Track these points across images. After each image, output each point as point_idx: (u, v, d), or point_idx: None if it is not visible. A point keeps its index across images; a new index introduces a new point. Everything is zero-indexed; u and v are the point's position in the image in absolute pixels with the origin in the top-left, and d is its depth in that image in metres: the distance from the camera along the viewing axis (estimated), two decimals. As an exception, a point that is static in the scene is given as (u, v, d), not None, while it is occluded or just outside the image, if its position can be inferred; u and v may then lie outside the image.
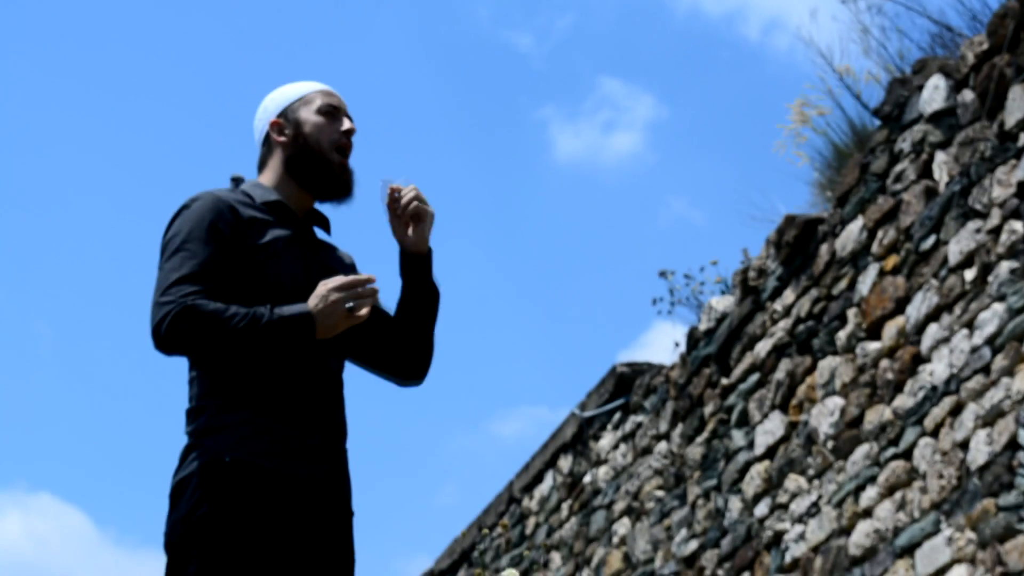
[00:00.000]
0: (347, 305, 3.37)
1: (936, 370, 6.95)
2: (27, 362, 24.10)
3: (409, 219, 3.62)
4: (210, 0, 21.53)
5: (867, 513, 7.32)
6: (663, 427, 9.26)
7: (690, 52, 21.10)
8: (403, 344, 3.66)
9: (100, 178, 22.10)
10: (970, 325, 6.76)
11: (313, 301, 3.38)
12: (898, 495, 7.10)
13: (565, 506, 10.31)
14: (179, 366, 3.58)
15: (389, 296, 3.67)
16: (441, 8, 21.52)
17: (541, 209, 20.58)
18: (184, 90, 21.64)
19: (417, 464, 21.11)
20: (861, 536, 7.32)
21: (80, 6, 21.48)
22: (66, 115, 22.04)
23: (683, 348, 9.21)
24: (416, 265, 3.63)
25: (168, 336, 3.36)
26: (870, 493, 7.29)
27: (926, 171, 7.24)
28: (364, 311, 3.39)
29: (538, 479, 10.77)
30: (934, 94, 7.18)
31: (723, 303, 8.87)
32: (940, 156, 7.11)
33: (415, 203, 3.60)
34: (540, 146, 21.45)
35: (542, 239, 20.51)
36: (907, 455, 7.10)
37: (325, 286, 3.38)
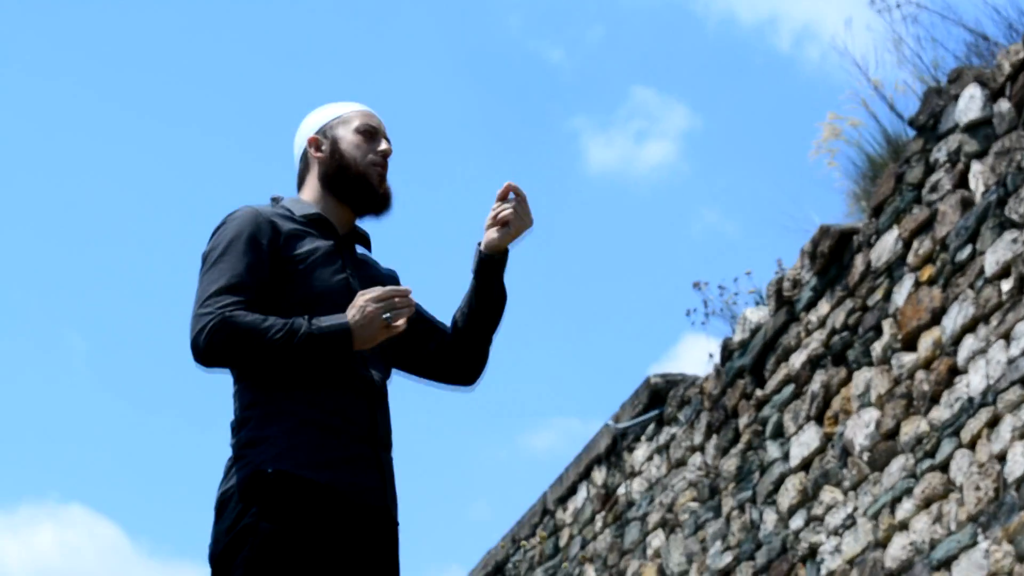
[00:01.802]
0: (384, 316, 3.37)
1: (972, 382, 6.91)
2: (60, 373, 24.20)
3: (500, 222, 3.63)
4: (245, 19, 21.60)
5: (903, 526, 7.27)
6: (697, 439, 9.22)
7: (723, 61, 21.07)
8: (460, 346, 3.68)
9: (135, 189, 22.19)
10: (1007, 336, 6.72)
11: (351, 312, 3.39)
12: (934, 508, 7.06)
13: (599, 518, 10.28)
14: (210, 377, 3.59)
15: (447, 299, 3.69)
16: (472, 19, 21.54)
17: (573, 219, 20.56)
18: (222, 108, 21.72)
19: (450, 476, 21.10)
20: (897, 549, 7.28)
21: (121, 37, 21.57)
22: (104, 128, 22.14)
23: (717, 359, 9.18)
24: (487, 264, 3.65)
25: (207, 348, 3.37)
26: (906, 506, 7.24)
27: (962, 181, 7.20)
28: (401, 322, 3.40)
29: (572, 491, 10.74)
30: (970, 104, 7.14)
31: (757, 314, 8.84)
32: (976, 166, 7.07)
33: (509, 210, 3.62)
34: (572, 156, 21.44)
35: (574, 249, 20.49)
36: (944, 467, 7.05)
37: (362, 297, 3.40)
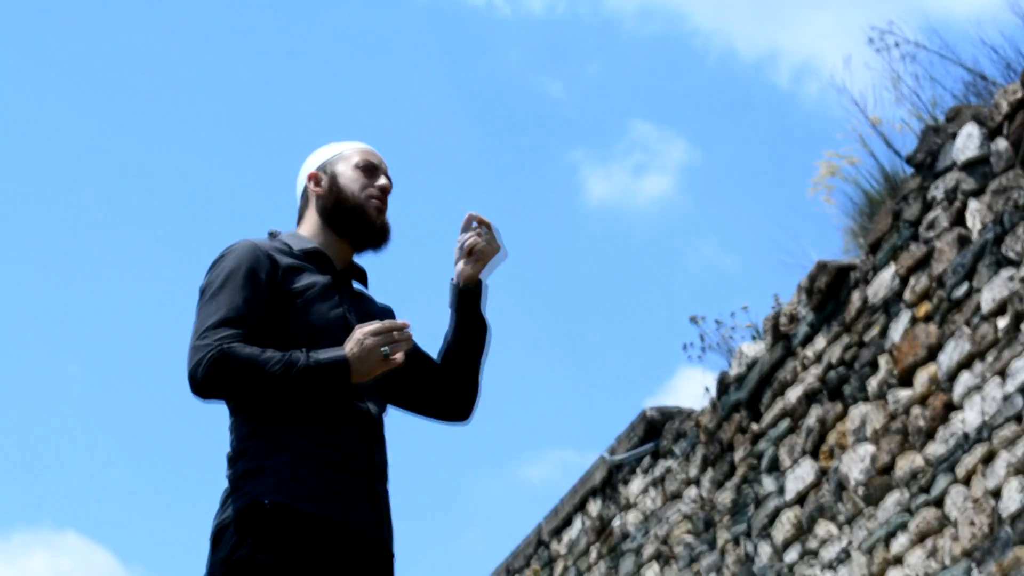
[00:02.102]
0: (382, 350, 3.40)
1: (968, 418, 6.94)
2: (56, 400, 24.19)
3: (467, 251, 3.67)
4: (247, 53, 21.67)
5: (898, 560, 7.30)
6: (693, 472, 9.25)
7: (722, 96, 21.16)
8: (448, 381, 3.69)
9: (134, 218, 22.22)
10: (1002, 373, 6.76)
11: (349, 346, 3.40)
12: (929, 542, 7.09)
13: (594, 550, 10.30)
14: (205, 407, 3.59)
15: (434, 334, 3.71)
16: (473, 54, 21.63)
17: (572, 252, 20.62)
18: (221, 143, 21.76)
19: (445, 507, 21.09)
20: (892, 583, 7.30)
21: (127, 73, 21.63)
22: (103, 157, 22.18)
23: (713, 393, 9.21)
24: (463, 297, 3.68)
25: (204, 380, 3.38)
26: (901, 540, 7.27)
27: (959, 219, 7.25)
28: (399, 356, 3.41)
29: (567, 523, 10.76)
30: (967, 142, 7.19)
31: (754, 349, 8.88)
32: (973, 204, 7.12)
33: (473, 238, 3.66)
34: (571, 189, 21.50)
35: (572, 281, 20.54)
36: (938, 503, 7.08)
37: (360, 331, 3.41)
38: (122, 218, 22.21)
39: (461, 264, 3.67)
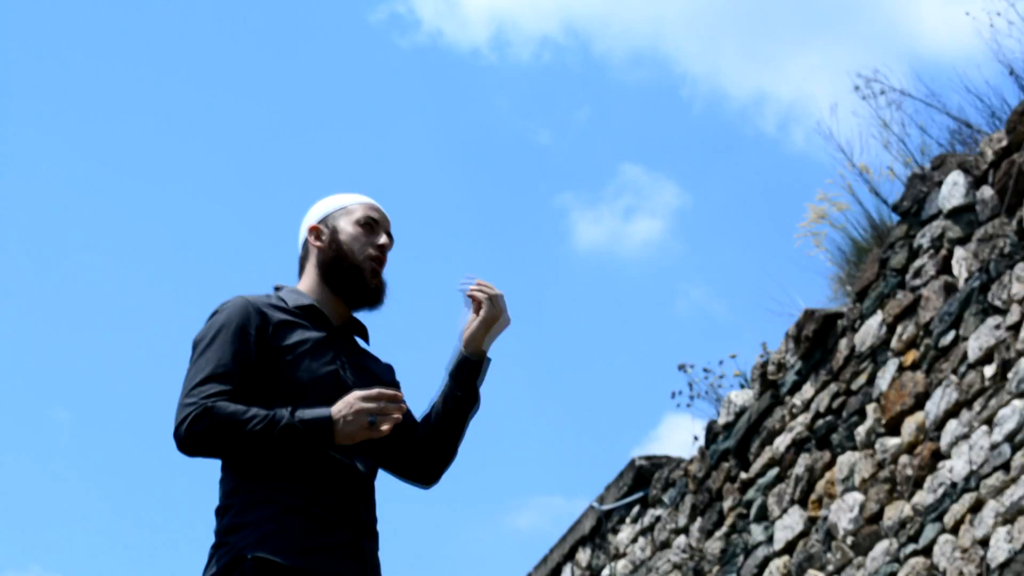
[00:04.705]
0: (369, 419, 3.38)
1: (956, 466, 6.93)
2: (45, 448, 24.10)
3: (475, 303, 3.64)
4: (229, 99, 21.71)
5: (887, 610, 7.27)
6: (682, 521, 9.22)
7: (711, 140, 21.20)
8: (426, 447, 3.68)
9: (123, 262, 22.20)
10: (989, 422, 6.75)
11: (338, 407, 3.40)
12: (918, 592, 7.06)
13: (583, 600, 10.25)
14: (188, 461, 3.60)
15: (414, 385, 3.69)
16: (460, 100, 21.68)
17: (560, 297, 20.61)
18: (210, 194, 21.78)
19: (431, 556, 21.00)
20: (881, 633, 7.27)
21: (121, 111, 21.68)
22: (94, 200, 22.19)
23: (702, 442, 9.19)
24: (467, 370, 3.64)
25: (187, 437, 3.40)
26: (890, 590, 7.24)
27: (945, 267, 7.25)
28: (385, 427, 3.40)
29: (556, 572, 10.71)
30: (953, 190, 7.20)
31: (742, 397, 8.86)
32: (959, 252, 7.13)
33: (484, 292, 3.63)
34: (560, 234, 21.52)
35: (559, 327, 20.52)
36: (927, 551, 7.06)
37: (354, 395, 3.40)
38: (111, 259, 22.19)
39: (473, 328, 3.63)
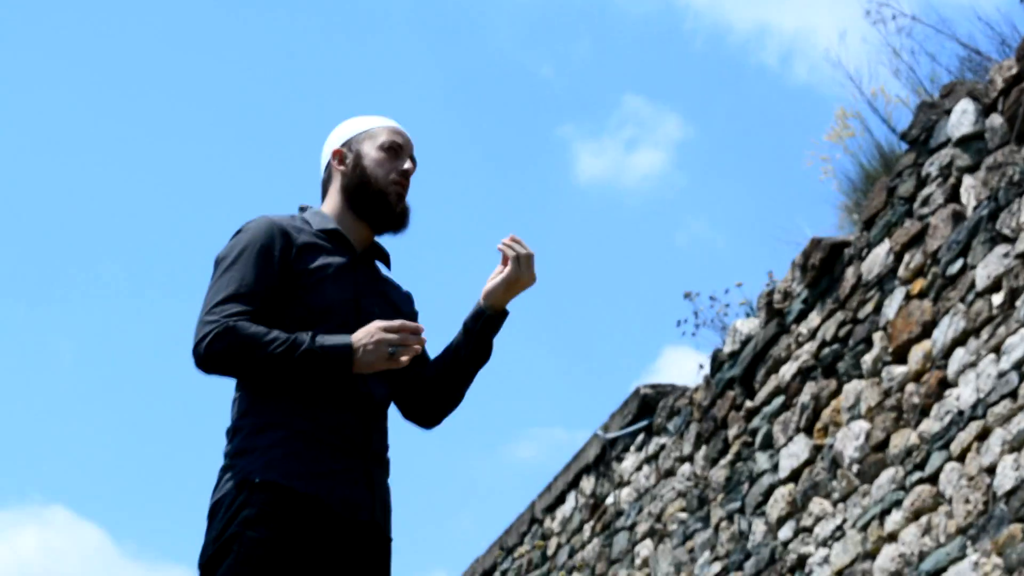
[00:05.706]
0: (390, 349, 3.38)
1: (963, 395, 6.93)
2: (48, 377, 24.16)
3: (505, 263, 3.62)
4: (236, 33, 21.61)
5: (892, 537, 7.29)
6: (687, 449, 9.24)
7: (714, 72, 21.12)
8: (434, 391, 3.67)
9: (125, 193, 22.17)
10: (997, 350, 6.74)
11: (359, 335, 3.39)
12: (924, 520, 7.08)
13: (587, 527, 10.29)
14: (199, 382, 3.60)
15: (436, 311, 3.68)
16: (462, 34, 21.56)
17: (563, 229, 20.58)
18: (212, 121, 21.71)
19: (436, 489, 21.08)
20: (886, 560, 7.30)
21: (126, 51, 21.59)
22: (97, 132, 22.13)
23: (707, 370, 9.20)
24: (484, 323, 3.63)
25: (207, 355, 3.39)
26: (895, 517, 7.26)
27: (954, 195, 7.23)
28: (405, 358, 3.39)
29: (560, 500, 10.75)
30: (962, 118, 7.17)
31: (748, 325, 8.86)
32: (968, 180, 7.10)
33: (513, 249, 3.60)
34: (562, 165, 21.47)
35: (563, 259, 20.51)
36: (933, 480, 7.07)
37: (376, 324, 3.39)
38: (113, 191, 22.17)
39: (495, 283, 3.61)
